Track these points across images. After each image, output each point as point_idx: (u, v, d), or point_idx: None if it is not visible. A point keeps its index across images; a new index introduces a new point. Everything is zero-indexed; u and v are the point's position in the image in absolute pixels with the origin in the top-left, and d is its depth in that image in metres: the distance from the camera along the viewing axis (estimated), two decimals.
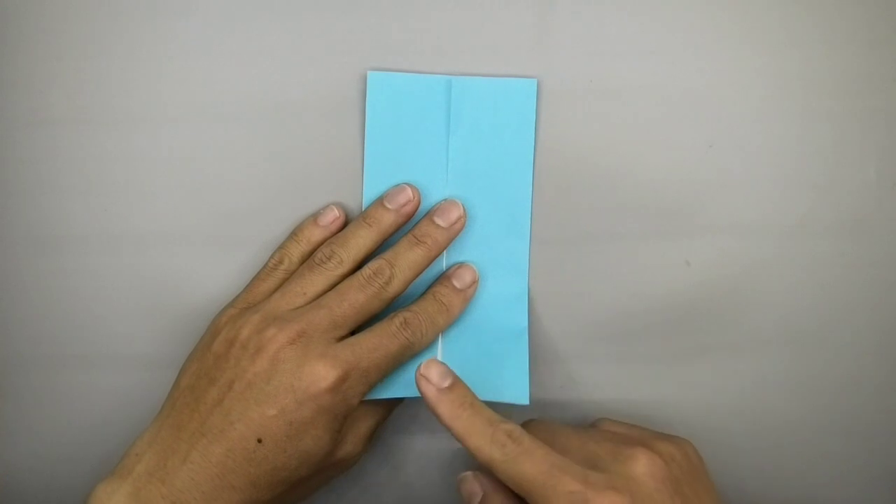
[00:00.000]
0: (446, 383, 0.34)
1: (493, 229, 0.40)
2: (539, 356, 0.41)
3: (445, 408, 0.34)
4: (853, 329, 0.41)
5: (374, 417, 0.38)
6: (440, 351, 0.39)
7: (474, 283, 0.39)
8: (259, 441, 0.34)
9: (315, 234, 0.39)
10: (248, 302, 0.38)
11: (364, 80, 0.39)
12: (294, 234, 0.39)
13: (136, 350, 0.40)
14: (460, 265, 0.40)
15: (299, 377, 0.34)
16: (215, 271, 0.40)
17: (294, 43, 0.39)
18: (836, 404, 0.41)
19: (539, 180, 0.40)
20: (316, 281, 0.37)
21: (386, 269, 0.37)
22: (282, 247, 0.39)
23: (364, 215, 0.39)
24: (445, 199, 0.39)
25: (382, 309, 0.38)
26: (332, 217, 0.39)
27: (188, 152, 0.40)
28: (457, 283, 0.39)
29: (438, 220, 0.39)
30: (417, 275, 0.38)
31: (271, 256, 0.39)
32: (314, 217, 0.40)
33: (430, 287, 0.39)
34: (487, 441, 0.33)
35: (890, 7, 0.39)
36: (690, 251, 0.38)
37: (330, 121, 0.39)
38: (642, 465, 0.33)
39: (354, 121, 0.39)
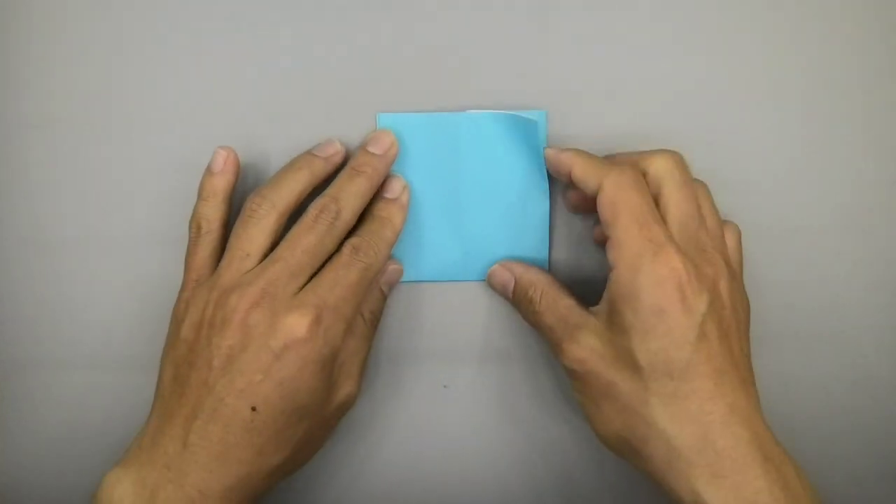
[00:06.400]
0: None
1: (511, 249, 0.40)
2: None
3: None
4: (854, 328, 0.41)
5: (360, 354, 0.38)
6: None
7: (405, 188, 0.39)
8: (253, 409, 0.34)
9: (217, 183, 0.38)
10: (195, 279, 0.37)
11: (374, 121, 0.39)
12: (198, 193, 0.38)
13: (133, 351, 0.40)
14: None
15: (274, 336, 0.34)
16: None
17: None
18: (837, 403, 0.41)
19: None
20: (253, 236, 0.36)
21: (331, 205, 0.36)
22: (194, 211, 0.38)
23: (291, 163, 0.38)
24: (376, 130, 0.39)
25: (336, 245, 0.37)
26: (223, 159, 0.38)
27: (185, 155, 0.39)
28: (388, 195, 0.39)
29: (373, 149, 0.38)
30: (363, 203, 0.37)
31: (189, 226, 0.38)
32: (207, 169, 0.38)
33: (366, 208, 0.38)
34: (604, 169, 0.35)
35: (889, 7, 0.39)
36: None
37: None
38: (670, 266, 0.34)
39: None
